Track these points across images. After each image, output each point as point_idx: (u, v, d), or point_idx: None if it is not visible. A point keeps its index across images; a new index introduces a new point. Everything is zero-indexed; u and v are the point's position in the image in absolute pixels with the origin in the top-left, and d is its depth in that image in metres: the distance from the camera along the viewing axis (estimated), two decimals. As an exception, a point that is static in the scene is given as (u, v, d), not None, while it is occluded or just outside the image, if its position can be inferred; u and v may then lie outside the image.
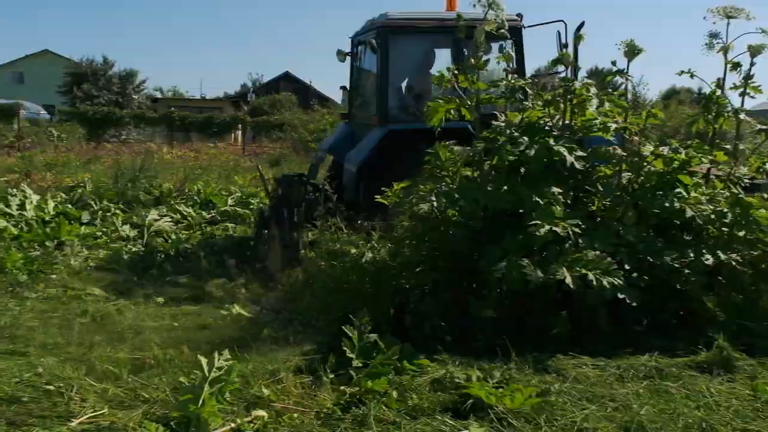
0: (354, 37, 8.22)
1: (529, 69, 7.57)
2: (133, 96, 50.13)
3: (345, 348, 3.85)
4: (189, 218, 9.29)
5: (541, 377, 3.76)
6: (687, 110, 24.24)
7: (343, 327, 4.02)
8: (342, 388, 3.63)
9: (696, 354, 4.09)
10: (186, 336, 4.68)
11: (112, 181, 11.53)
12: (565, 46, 6.76)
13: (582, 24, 6.18)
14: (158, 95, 58.81)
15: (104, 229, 8.60)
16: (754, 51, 5.00)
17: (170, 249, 7.63)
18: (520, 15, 7.44)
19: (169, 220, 8.88)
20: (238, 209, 9.77)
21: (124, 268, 6.91)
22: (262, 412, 3.30)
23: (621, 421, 3.21)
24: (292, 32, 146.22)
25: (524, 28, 7.47)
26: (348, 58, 8.26)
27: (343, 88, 8.64)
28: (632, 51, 4.94)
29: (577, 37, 5.85)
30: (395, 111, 7.37)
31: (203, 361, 3.32)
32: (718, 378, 3.80)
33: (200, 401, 3.09)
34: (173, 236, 8.24)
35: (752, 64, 5.11)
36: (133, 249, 7.71)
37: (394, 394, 3.49)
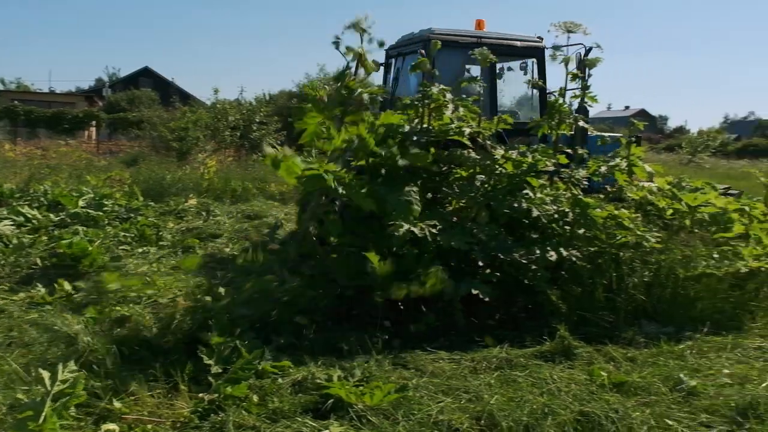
0: (390, 50, 8.68)
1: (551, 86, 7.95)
2: (-32, 87, 45.54)
3: (202, 355, 3.75)
4: (34, 221, 8.58)
5: (400, 373, 3.87)
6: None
7: (198, 333, 3.91)
8: (200, 395, 3.53)
9: (541, 344, 4.40)
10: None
11: (-59, 180, 10.42)
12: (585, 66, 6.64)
13: (590, 49, 6.51)
14: (-1, 87, 53.87)
15: (-69, 235, 7.71)
16: (590, 64, 5.46)
17: (9, 256, 7.01)
18: (540, 37, 8.25)
19: (10, 223, 8.15)
20: (90, 211, 9.15)
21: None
22: (112, 426, 3.14)
23: (473, 411, 3.38)
24: (153, 26, 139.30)
25: (546, 48, 8.09)
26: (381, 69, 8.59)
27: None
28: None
29: (587, 62, 6.08)
30: None
31: (45, 374, 3.09)
32: (560, 365, 4.11)
33: (41, 418, 2.87)
34: (14, 240, 7.57)
35: (589, 75, 5.58)
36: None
37: (255, 398, 3.44)
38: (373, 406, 3.33)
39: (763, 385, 3.72)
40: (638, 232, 5.18)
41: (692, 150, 31.96)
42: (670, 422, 3.30)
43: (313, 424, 3.20)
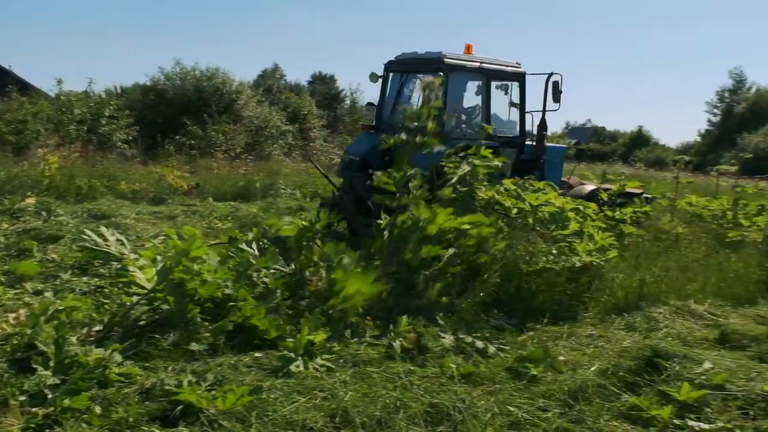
0: (392, 65, 9.61)
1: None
2: None
3: (36, 365, 3.47)
4: None
5: (255, 375, 3.80)
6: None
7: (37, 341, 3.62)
8: (34, 410, 3.26)
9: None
10: None
11: None
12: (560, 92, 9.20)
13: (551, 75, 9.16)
14: None
15: None
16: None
17: None
18: (518, 63, 9.62)
19: None
20: None
21: None
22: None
23: (328, 409, 3.40)
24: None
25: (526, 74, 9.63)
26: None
27: (370, 104, 10.29)
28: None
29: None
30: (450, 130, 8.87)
31: None
32: (414, 360, 4.24)
33: None
34: None
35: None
36: None
37: (97, 409, 3.24)
38: (226, 410, 3.25)
39: (592, 369, 4.07)
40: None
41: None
42: (511, 408, 3.52)
43: (161, 432, 3.08)
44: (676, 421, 3.49)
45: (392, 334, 4.57)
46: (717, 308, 5.77)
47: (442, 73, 8.39)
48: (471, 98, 9.65)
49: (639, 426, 3.47)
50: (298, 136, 25.19)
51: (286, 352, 4.01)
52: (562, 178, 10.11)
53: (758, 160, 27.04)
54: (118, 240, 5.21)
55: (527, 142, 9.62)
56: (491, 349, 4.57)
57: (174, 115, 21.60)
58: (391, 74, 9.68)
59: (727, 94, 52.34)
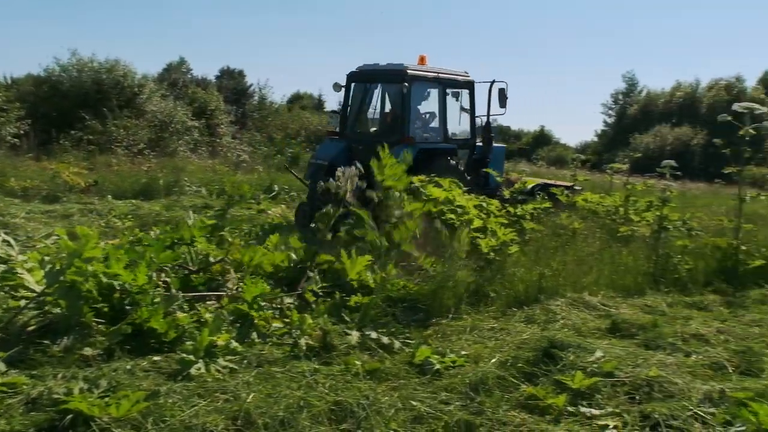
0: (354, 76, 10.48)
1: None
2: None
3: None
4: None
5: (153, 380, 3.67)
6: (307, 114, 26.50)
7: None
8: None
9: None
10: None
11: None
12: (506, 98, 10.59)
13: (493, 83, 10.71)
14: None
15: None
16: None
17: None
18: (467, 72, 10.76)
19: None
20: None
21: None
22: None
23: (230, 411, 3.32)
24: None
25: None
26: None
27: (334, 112, 11.84)
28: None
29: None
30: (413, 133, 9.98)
31: None
32: (317, 359, 4.22)
33: None
34: None
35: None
36: None
37: (-25, 423, 3.03)
38: (120, 418, 3.12)
39: (492, 361, 4.19)
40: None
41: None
42: (414, 403, 3.57)
43: (48, 443, 2.91)
44: (570, 408, 3.65)
45: (298, 332, 4.53)
46: (609, 299, 6.09)
47: (406, 84, 9.61)
48: (427, 105, 10.66)
49: (536, 414, 3.60)
50: (205, 132, 24.50)
51: (184, 355, 3.89)
52: (504, 175, 10.97)
53: (647, 159, 28.74)
54: (4, 240, 4.90)
55: (477, 143, 10.80)
56: (396, 344, 4.62)
57: (70, 109, 20.46)
58: (353, 84, 10.51)
59: (620, 97, 55.31)
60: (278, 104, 31.87)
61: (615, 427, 3.42)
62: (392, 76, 10.08)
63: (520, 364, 4.14)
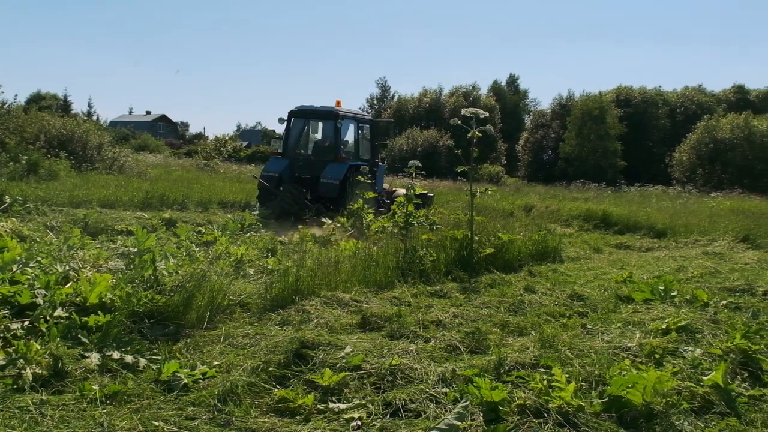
0: (295, 113, 15.25)
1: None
2: None
3: None
4: None
5: None
6: (47, 116, 23.89)
7: None
8: None
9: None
10: None
11: None
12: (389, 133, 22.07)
13: (381, 121, 19.54)
14: None
15: None
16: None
17: None
18: (369, 111, 15.14)
19: None
20: None
21: None
22: None
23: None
24: None
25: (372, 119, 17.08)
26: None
27: (277, 138, 18.71)
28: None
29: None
30: (344, 155, 15.06)
31: None
32: (47, 389, 3.78)
33: None
34: None
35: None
36: None
37: None
38: None
39: (244, 368, 4.12)
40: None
41: (208, 155, 34.04)
42: (156, 423, 3.36)
43: None
44: (320, 406, 3.71)
45: (22, 361, 4.02)
46: (361, 295, 6.36)
47: (339, 120, 14.58)
48: (348, 135, 15.63)
49: (286, 417, 3.60)
50: None
51: None
52: (384, 186, 16.40)
53: (402, 160, 30.84)
54: None
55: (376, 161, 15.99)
56: (142, 362, 4.32)
57: None
58: (293, 119, 15.21)
59: (375, 101, 58.75)
60: (11, 104, 28.14)
61: (359, 418, 3.55)
62: (327, 115, 14.98)
63: (271, 368, 4.12)
